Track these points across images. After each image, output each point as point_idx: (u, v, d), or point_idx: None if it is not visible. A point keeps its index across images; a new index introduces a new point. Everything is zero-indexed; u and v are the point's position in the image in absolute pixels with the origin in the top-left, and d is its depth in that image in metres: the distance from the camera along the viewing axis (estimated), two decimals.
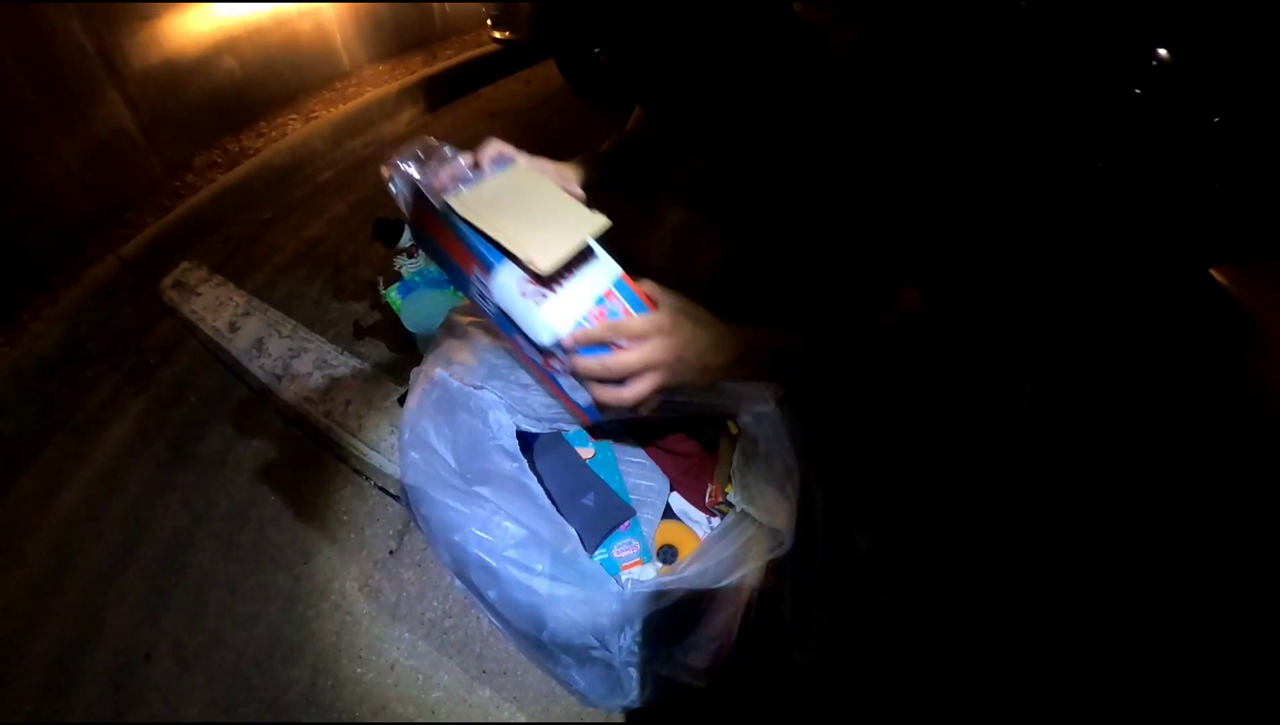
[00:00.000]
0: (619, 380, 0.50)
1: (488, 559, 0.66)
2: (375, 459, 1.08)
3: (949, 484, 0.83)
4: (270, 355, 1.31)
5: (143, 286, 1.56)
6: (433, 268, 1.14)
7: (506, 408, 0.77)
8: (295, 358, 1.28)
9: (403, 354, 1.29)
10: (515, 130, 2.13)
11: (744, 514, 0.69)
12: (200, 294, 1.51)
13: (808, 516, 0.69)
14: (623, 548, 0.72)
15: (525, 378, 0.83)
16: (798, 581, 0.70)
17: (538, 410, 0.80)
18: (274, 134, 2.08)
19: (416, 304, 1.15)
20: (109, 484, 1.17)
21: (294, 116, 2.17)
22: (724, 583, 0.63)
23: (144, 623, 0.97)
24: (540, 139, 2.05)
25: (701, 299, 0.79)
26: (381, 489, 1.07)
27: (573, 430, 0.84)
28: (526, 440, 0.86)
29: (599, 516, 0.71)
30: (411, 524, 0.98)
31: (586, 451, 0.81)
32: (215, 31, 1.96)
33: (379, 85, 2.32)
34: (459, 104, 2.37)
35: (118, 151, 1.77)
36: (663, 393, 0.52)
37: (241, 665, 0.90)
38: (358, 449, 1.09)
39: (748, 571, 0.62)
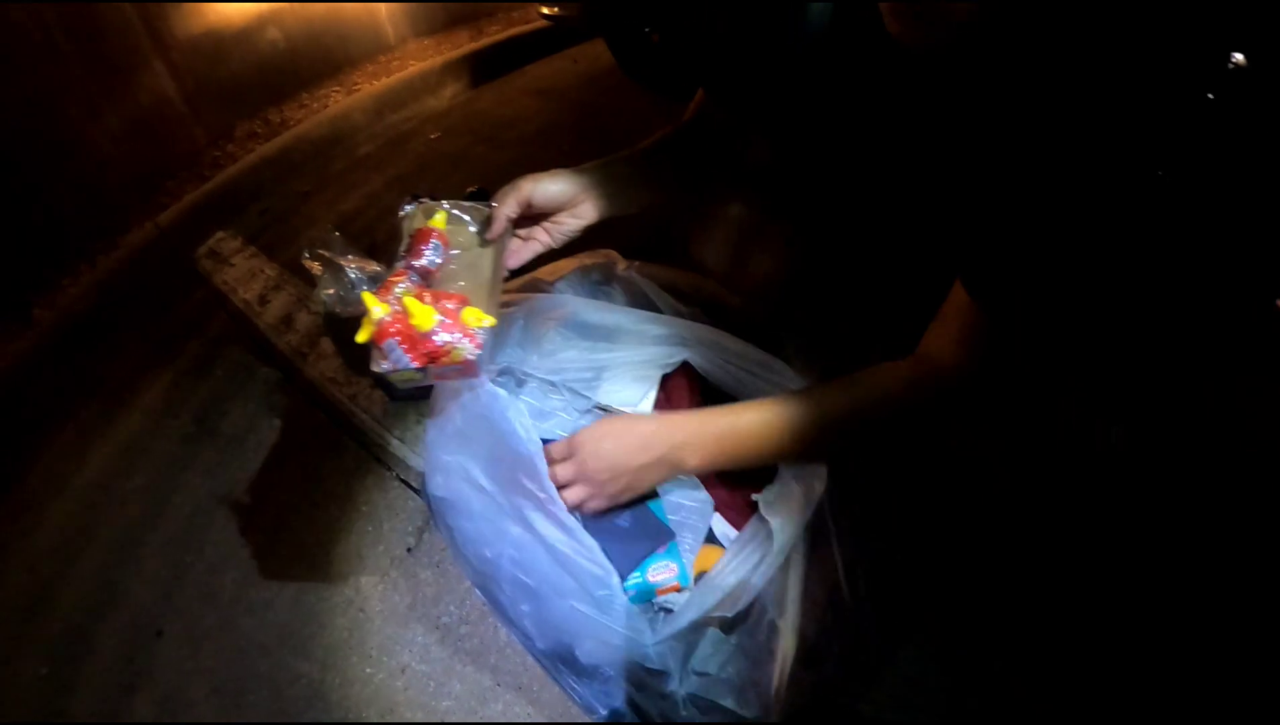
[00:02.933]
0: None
1: (524, 578, 0.60)
2: (398, 449, 1.03)
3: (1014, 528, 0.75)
4: (298, 331, 1.27)
5: (179, 255, 1.54)
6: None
7: (538, 413, 0.71)
8: (323, 335, 1.24)
9: None
10: (561, 109, 2.06)
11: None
12: (233, 265, 1.49)
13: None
14: (659, 570, 0.65)
15: (556, 395, 0.77)
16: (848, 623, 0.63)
17: (574, 417, 0.74)
18: (316, 105, 2.05)
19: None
20: (133, 455, 1.16)
21: (337, 89, 2.14)
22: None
23: (158, 598, 0.95)
24: (587, 118, 1.98)
25: (764, 294, 0.72)
26: (403, 481, 1.02)
27: None
28: None
29: (634, 540, 0.63)
30: (431, 522, 0.93)
31: None
32: (260, 2, 1.94)
33: (423, 59, 2.27)
34: (504, 81, 2.31)
35: (161, 121, 1.76)
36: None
37: (251, 651, 0.88)
38: (381, 437, 1.05)
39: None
